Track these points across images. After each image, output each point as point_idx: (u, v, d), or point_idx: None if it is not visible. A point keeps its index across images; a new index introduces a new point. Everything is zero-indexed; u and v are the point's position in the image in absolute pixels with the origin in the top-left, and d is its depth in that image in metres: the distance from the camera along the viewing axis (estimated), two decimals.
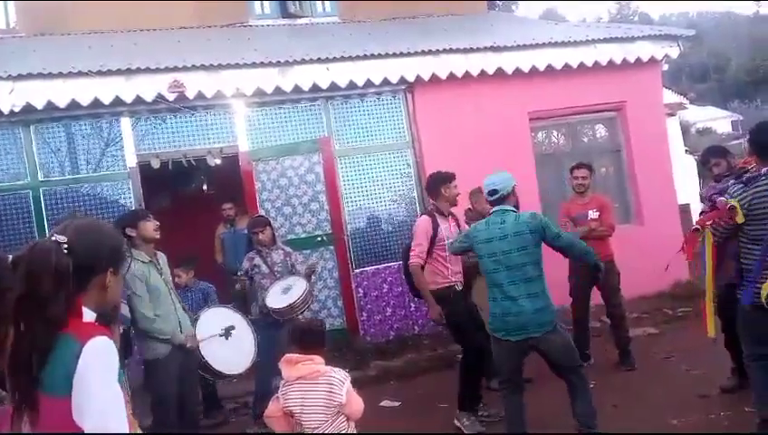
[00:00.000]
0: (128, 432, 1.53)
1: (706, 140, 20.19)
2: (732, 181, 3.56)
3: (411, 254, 4.35)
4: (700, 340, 5.32)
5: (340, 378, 2.77)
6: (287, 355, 2.89)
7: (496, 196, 3.73)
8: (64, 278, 1.52)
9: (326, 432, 2.75)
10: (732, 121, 31.36)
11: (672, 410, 4.14)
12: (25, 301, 1.50)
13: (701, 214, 3.91)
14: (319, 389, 2.75)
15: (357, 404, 2.80)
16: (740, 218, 3.21)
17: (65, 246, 1.55)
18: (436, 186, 4.52)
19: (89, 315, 1.59)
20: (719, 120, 30.12)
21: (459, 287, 4.45)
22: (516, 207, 3.85)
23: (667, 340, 5.92)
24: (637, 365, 5.16)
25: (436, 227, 4.37)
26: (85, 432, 1.45)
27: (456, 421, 4.32)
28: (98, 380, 1.49)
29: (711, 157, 4.46)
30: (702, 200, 4.11)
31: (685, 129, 19.23)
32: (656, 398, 4.36)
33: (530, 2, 60.10)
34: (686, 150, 15.89)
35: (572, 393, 3.62)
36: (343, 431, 2.79)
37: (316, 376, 2.77)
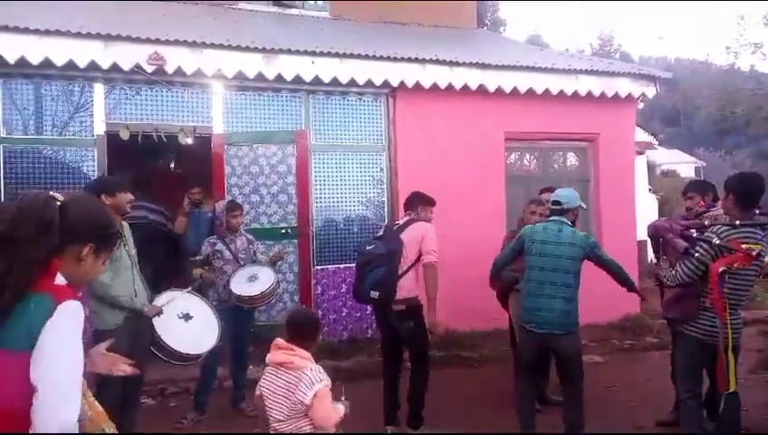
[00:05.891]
0: (78, 400, 1.53)
1: (669, 182, 20.80)
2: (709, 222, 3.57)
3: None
4: (642, 373, 5.50)
5: (312, 378, 2.59)
6: (277, 339, 2.77)
7: (559, 207, 3.94)
8: (48, 229, 1.56)
9: (284, 432, 2.61)
10: (695, 167, 32.31)
11: None
12: (4, 242, 1.53)
13: (665, 248, 3.87)
14: (287, 380, 2.63)
15: (324, 412, 2.59)
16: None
17: (58, 202, 1.61)
18: (418, 202, 4.52)
19: (61, 281, 1.61)
20: (683, 165, 30.99)
21: None
22: (574, 224, 3.98)
23: (612, 370, 6.05)
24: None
25: None
26: (37, 391, 1.46)
27: None
28: (65, 341, 1.51)
29: (689, 190, 4.57)
30: (659, 232, 4.05)
31: (650, 168, 19.79)
32: (596, 425, 4.44)
33: (517, 25, 61.72)
34: (650, 189, 16.39)
35: (566, 402, 3.90)
36: None
37: (290, 367, 2.65)
